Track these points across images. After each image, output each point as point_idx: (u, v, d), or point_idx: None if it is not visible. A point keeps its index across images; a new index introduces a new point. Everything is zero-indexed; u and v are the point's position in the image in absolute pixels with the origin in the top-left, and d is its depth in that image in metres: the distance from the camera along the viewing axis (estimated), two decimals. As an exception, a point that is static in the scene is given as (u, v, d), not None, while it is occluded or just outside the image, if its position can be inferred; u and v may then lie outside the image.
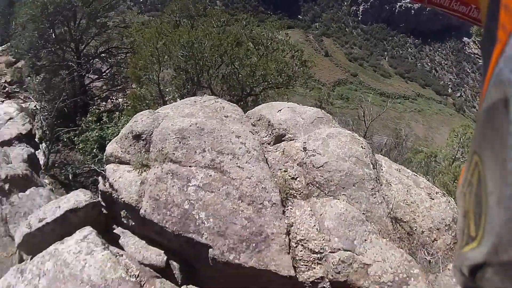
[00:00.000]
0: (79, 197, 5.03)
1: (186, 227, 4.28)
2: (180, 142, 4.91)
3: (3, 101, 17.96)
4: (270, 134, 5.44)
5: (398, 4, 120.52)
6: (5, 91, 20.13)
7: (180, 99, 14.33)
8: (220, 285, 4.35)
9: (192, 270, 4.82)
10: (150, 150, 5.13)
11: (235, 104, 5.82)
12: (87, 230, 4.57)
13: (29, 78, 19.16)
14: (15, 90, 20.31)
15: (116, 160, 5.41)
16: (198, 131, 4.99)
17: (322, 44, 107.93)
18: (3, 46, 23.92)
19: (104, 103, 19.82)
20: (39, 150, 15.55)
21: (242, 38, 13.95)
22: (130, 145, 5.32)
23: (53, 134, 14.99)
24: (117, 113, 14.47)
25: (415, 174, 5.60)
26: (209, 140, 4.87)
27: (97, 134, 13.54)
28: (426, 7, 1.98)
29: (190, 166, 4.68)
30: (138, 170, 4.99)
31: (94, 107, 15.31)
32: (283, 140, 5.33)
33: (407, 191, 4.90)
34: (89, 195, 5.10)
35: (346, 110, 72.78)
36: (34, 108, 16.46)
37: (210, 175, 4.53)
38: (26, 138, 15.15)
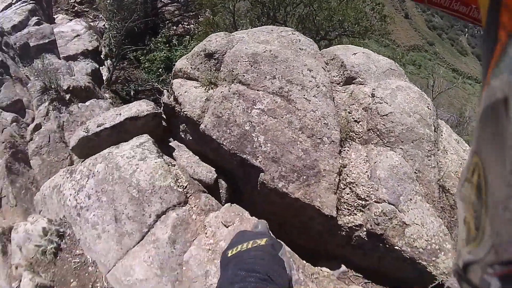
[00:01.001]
0: (141, 107, 5.08)
1: (242, 148, 4.37)
2: (251, 66, 4.90)
3: (71, 19, 18.39)
4: (341, 75, 5.31)
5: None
6: (74, 10, 20.37)
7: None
8: (262, 211, 4.41)
9: (238, 192, 4.95)
10: (221, 69, 5.16)
11: (311, 39, 5.66)
12: (144, 137, 4.69)
13: (99, -4, 19.27)
14: (85, 9, 20.51)
15: (184, 75, 5.47)
16: (271, 58, 4.94)
17: (403, 5, 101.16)
18: None
19: (175, 27, 19.80)
20: (104, 66, 16.00)
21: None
22: (201, 63, 5.36)
23: (120, 51, 15.20)
24: (187, 37, 14.53)
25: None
26: (280, 68, 4.82)
27: (165, 55, 13.73)
28: (427, 7, 1.97)
29: (258, 90, 4.70)
30: (205, 87, 5.07)
31: (165, 29, 15.29)
32: (353, 83, 5.19)
33: (461, 163, 4.69)
34: (152, 106, 5.15)
35: (416, 77, 70.14)
36: (103, 27, 16.68)
37: (276, 102, 4.54)
38: (92, 54, 15.43)
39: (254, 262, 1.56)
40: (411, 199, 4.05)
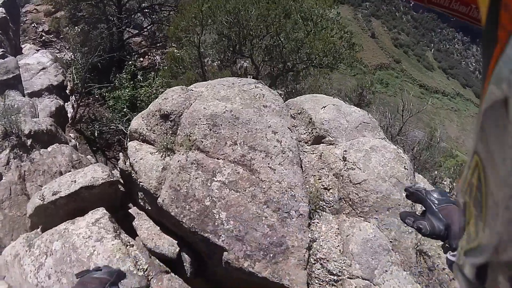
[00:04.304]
0: (96, 173, 4.79)
1: (203, 226, 3.97)
2: (210, 130, 4.50)
3: (38, 50, 17.96)
4: (310, 133, 4.95)
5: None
6: (41, 39, 20.15)
7: (218, 64, 14.06)
8: (229, 286, 4.19)
9: (203, 265, 4.61)
10: (178, 133, 4.77)
11: (276, 93, 5.31)
12: (100, 212, 4.41)
13: (67, 28, 18.95)
14: (52, 39, 20.25)
15: (140, 137, 5.08)
16: (232, 119, 4.55)
17: (369, 25, 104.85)
18: None
19: (141, 59, 19.52)
20: (68, 102, 15.52)
21: (291, 10, 13.23)
22: (157, 124, 4.95)
23: (84, 87, 14.81)
24: (152, 73, 14.22)
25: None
26: (242, 132, 4.44)
27: (129, 93, 13.37)
28: (426, 7, 1.93)
29: (218, 159, 4.31)
30: (161, 153, 4.67)
31: (130, 62, 14.96)
32: (322, 142, 4.84)
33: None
34: (107, 172, 4.83)
35: (384, 96, 72.26)
36: (69, 59, 16.26)
37: (238, 172, 4.14)
38: (57, 89, 15.06)
39: None
40: (386, 271, 3.79)
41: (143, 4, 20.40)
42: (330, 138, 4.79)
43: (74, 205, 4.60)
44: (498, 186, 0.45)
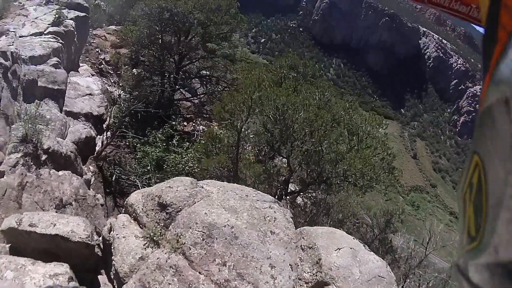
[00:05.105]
0: (78, 228, 4.64)
1: None
2: (203, 239, 4.10)
3: (93, 75, 18.56)
4: (314, 275, 4.38)
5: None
6: (100, 66, 20.80)
7: (255, 154, 13.78)
8: None
9: None
10: (169, 228, 4.42)
11: (290, 219, 4.84)
12: (63, 268, 4.13)
13: (125, 67, 19.71)
14: (109, 71, 20.91)
15: (133, 214, 4.83)
16: (230, 237, 4.12)
17: (413, 145, 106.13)
18: (117, 27, 24.88)
19: (185, 123, 19.72)
20: (101, 136, 15.55)
21: (339, 120, 13.07)
22: (152, 210, 4.67)
23: (119, 129, 14.81)
24: (187, 143, 14.13)
25: None
26: (236, 255, 3.96)
27: (159, 153, 13.25)
28: (428, 7, 1.93)
29: (200, 273, 3.84)
30: (146, 241, 4.34)
31: (168, 125, 15.09)
32: (325, 289, 4.20)
33: None
34: (87, 233, 4.66)
35: (412, 219, 70.39)
36: (117, 96, 16.56)
37: (215, 299, 3.59)
38: (94, 119, 15.26)
39: None
40: None
41: (202, 72, 21.07)
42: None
43: (46, 246, 4.48)
44: (498, 186, 0.45)
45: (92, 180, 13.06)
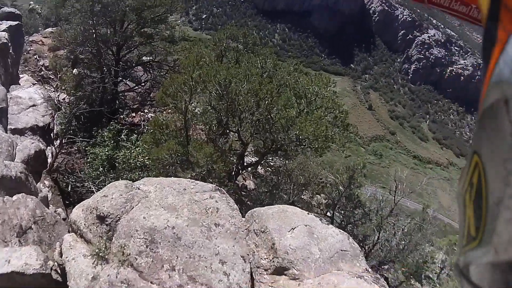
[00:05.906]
0: (30, 259, 4.30)
1: None
2: (147, 247, 3.86)
3: (34, 84, 17.55)
4: (271, 260, 4.17)
5: (449, 68, 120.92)
6: (40, 74, 19.82)
7: (206, 133, 13.49)
8: None
9: None
10: (113, 240, 4.13)
11: (235, 206, 4.62)
12: None
13: (65, 68, 18.75)
14: (50, 76, 19.91)
15: (78, 232, 4.52)
16: (173, 239, 3.89)
17: (367, 97, 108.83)
18: (53, 29, 23.57)
19: (133, 114, 19.07)
20: (50, 147, 14.81)
21: (285, 85, 12.88)
22: (93, 224, 4.39)
23: (67, 135, 14.21)
24: (134, 135, 13.66)
25: None
26: (183, 257, 3.76)
27: (108, 152, 12.73)
28: (428, 7, 1.94)
29: (151, 282, 3.62)
30: (94, 259, 4.04)
31: (114, 121, 14.51)
32: (285, 274, 4.04)
33: None
34: (41, 262, 4.34)
35: (377, 167, 72.60)
36: (62, 100, 15.80)
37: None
38: (41, 131, 14.51)
39: None
40: None
41: (142, 58, 20.29)
42: (295, 272, 4.00)
43: (5, 284, 4.23)
44: (498, 186, 0.45)
45: (50, 195, 12.47)
